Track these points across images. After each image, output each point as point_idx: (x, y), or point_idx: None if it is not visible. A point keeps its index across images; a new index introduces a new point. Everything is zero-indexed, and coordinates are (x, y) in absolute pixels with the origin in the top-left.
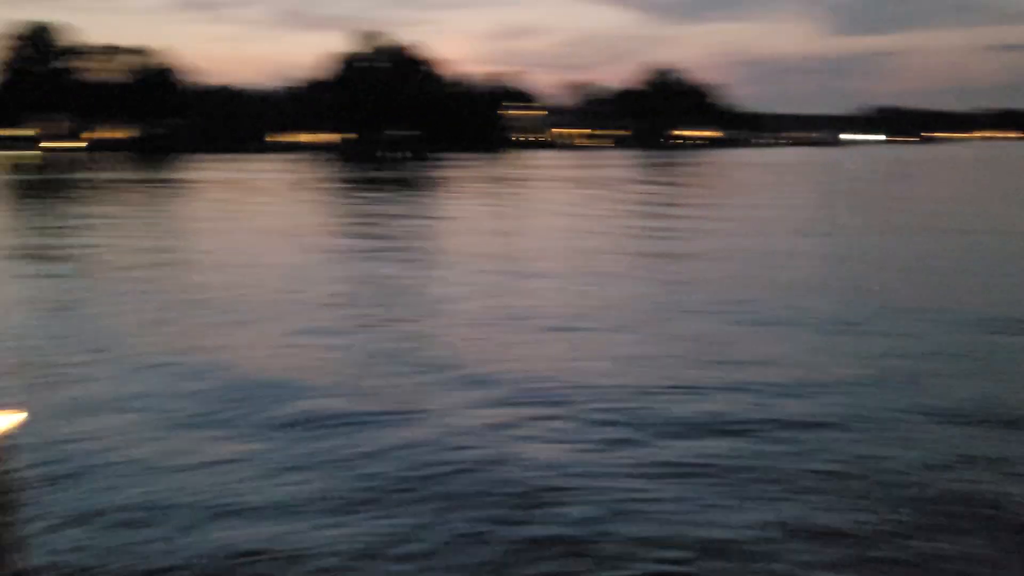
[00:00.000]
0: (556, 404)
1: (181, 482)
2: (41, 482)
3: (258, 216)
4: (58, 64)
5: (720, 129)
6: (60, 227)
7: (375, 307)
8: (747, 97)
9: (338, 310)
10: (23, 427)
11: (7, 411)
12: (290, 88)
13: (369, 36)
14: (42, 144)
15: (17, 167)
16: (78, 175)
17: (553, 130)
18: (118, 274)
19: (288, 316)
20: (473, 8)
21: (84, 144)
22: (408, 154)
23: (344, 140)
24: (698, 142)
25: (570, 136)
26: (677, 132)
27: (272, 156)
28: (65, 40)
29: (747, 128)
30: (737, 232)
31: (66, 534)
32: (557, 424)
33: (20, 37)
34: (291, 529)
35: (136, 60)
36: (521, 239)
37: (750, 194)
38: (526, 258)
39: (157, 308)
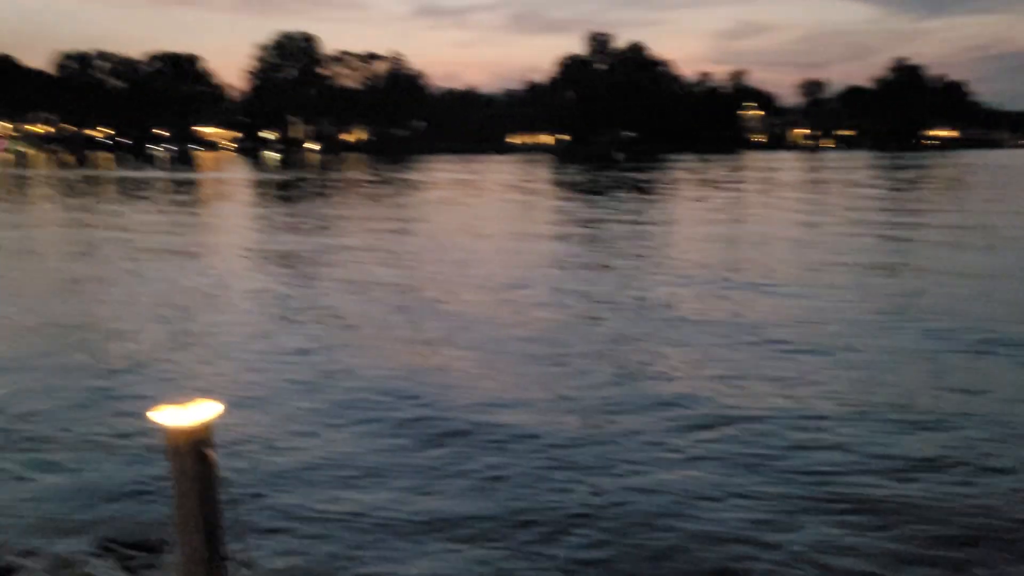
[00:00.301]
0: (750, 425)
1: (377, 489)
2: (240, 479)
3: (478, 216)
4: (308, 70)
5: (971, 129)
6: (285, 223)
7: (583, 314)
8: (1000, 95)
9: (546, 311)
10: (220, 420)
11: (203, 400)
12: (511, 92)
13: (600, 38)
14: (290, 145)
15: (263, 167)
16: (315, 175)
17: (793, 131)
18: (326, 270)
19: (496, 320)
20: (708, 6)
21: (320, 147)
22: (623, 156)
23: (558, 141)
24: (945, 143)
25: (806, 137)
26: (926, 132)
27: (502, 157)
28: (316, 49)
29: (1002, 128)
30: (980, 246)
31: (267, 538)
32: (749, 449)
33: (272, 47)
34: (477, 542)
35: (382, 66)
36: (741, 246)
37: (1000, 202)
38: (744, 267)
39: (363, 308)
